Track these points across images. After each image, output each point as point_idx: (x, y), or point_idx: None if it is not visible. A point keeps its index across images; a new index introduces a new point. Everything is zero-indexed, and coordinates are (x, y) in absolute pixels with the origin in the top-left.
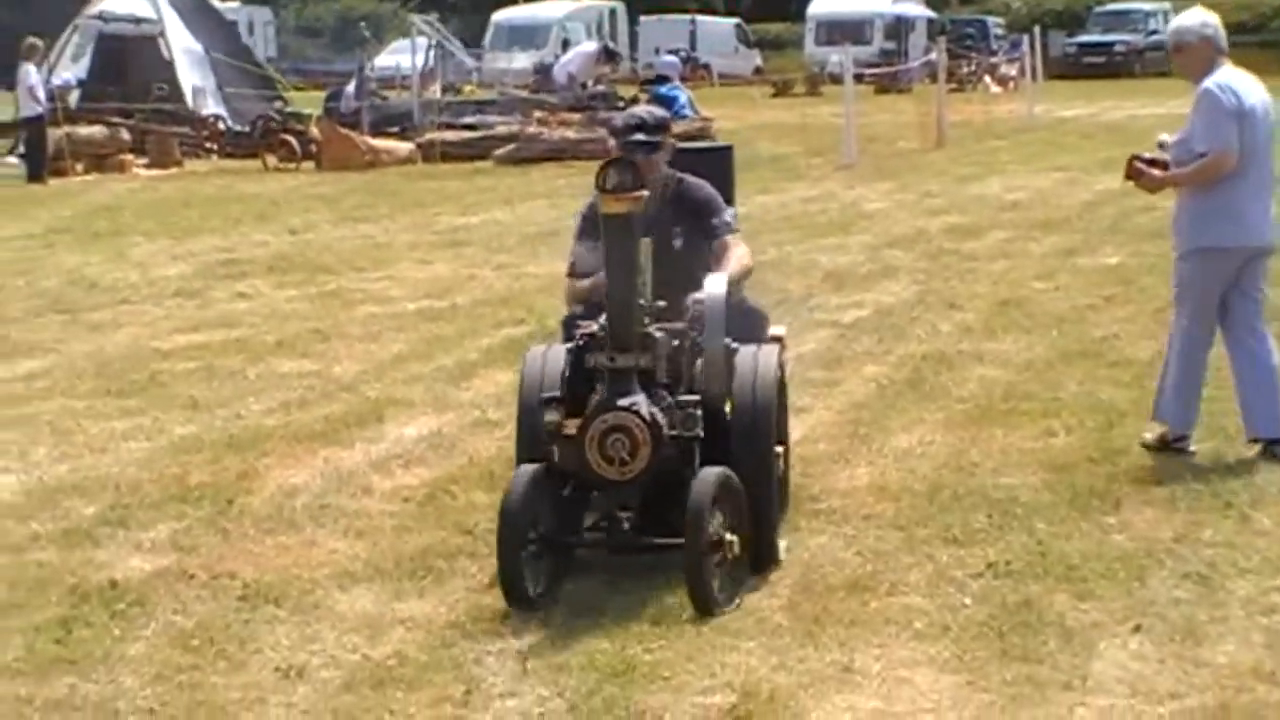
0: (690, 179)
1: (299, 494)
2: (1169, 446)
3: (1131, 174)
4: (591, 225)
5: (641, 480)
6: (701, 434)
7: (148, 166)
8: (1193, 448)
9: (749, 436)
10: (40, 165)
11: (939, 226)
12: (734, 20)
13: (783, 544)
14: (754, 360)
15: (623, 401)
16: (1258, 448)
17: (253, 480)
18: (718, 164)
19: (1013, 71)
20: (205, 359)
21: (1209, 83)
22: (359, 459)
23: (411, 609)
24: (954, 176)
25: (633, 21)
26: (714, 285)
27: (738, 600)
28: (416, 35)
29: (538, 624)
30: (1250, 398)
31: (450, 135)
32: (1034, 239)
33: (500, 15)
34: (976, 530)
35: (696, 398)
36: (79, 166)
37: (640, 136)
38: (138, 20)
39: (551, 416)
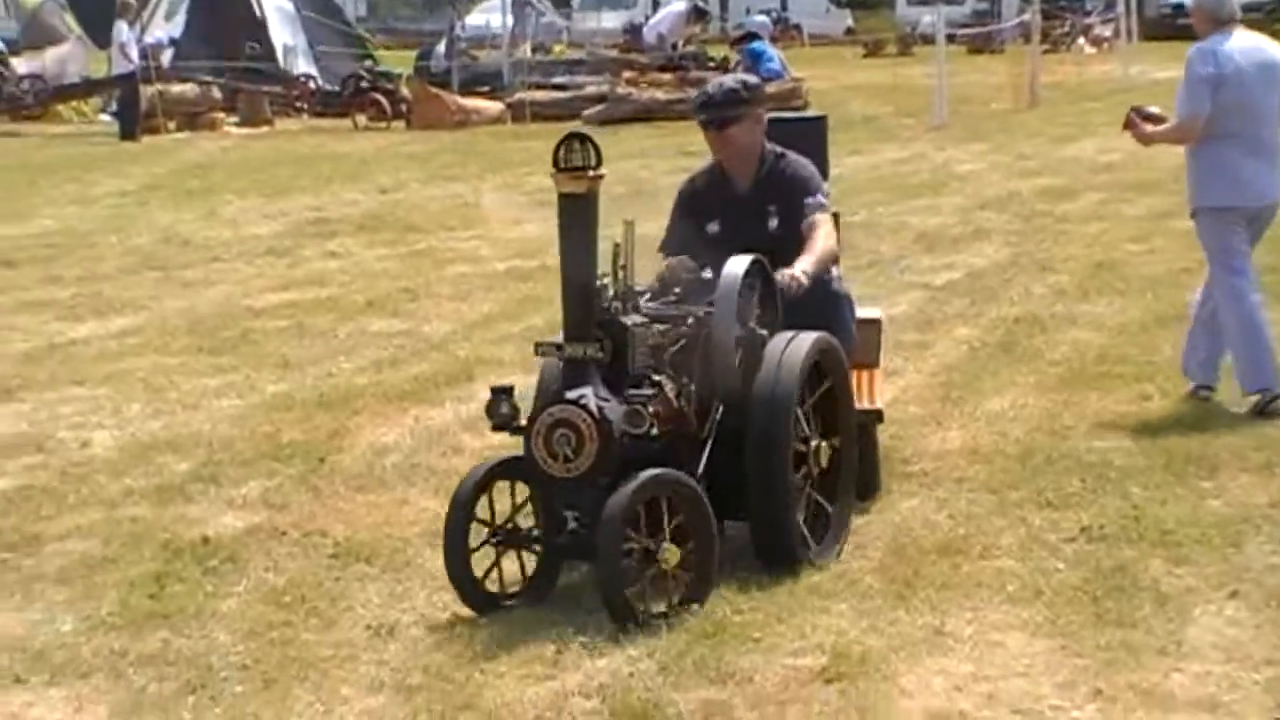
0: (792, 156)
1: (389, 453)
2: (1263, 411)
3: (1127, 124)
4: (685, 201)
5: (594, 479)
6: (653, 432)
7: (239, 125)
8: None
9: (762, 439)
10: (133, 123)
11: (1032, 188)
12: None
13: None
14: (781, 353)
15: (571, 394)
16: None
17: (344, 439)
18: (810, 135)
19: (1107, 32)
20: (296, 317)
21: (1193, 48)
22: (449, 418)
23: (502, 568)
24: (1048, 138)
25: None
26: (733, 266)
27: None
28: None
29: None
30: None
31: (540, 95)
32: (1128, 201)
33: None
34: (1070, 494)
35: (648, 392)
36: (171, 124)
37: (708, 114)
38: None
39: (503, 409)
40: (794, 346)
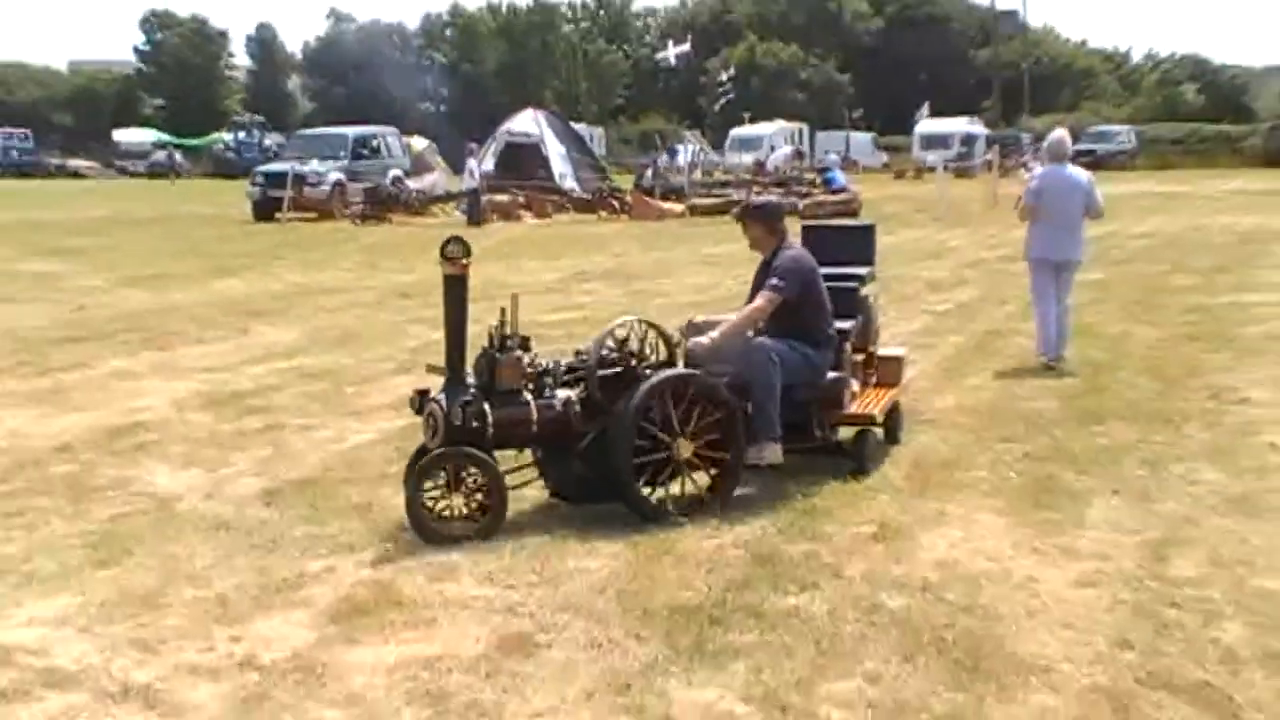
0: (792, 251)
1: None
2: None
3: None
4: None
5: (442, 447)
6: (473, 425)
7: (533, 218)
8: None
9: (611, 439)
10: (475, 215)
11: (993, 255)
12: (871, 134)
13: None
14: (641, 386)
15: (436, 395)
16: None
17: None
18: (862, 236)
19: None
20: (568, 328)
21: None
22: None
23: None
24: (1003, 225)
25: (812, 134)
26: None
27: None
28: (687, 142)
29: (749, 479)
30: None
31: (705, 201)
32: None
33: (735, 131)
34: (1018, 433)
35: (469, 398)
36: (494, 216)
37: (736, 213)
38: (528, 134)
39: (418, 403)
40: (650, 383)
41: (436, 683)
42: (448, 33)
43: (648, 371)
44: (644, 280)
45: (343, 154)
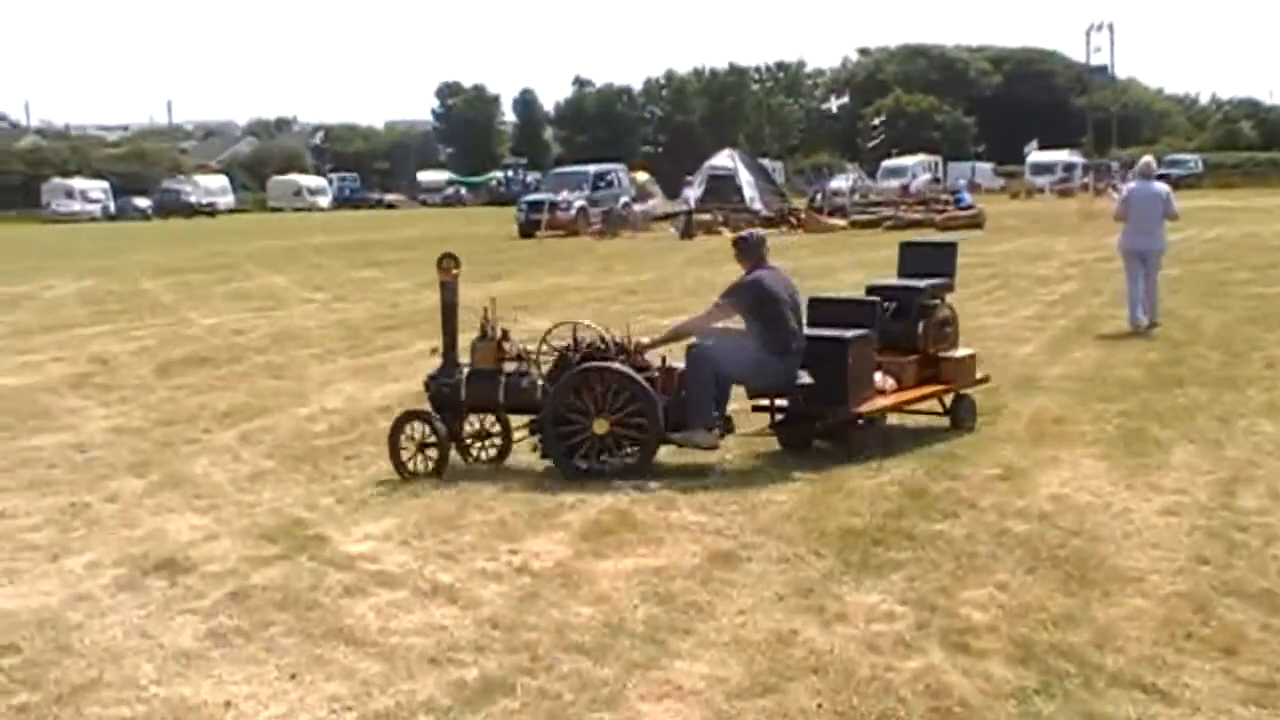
0: (749, 275)
1: None
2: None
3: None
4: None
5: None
6: (444, 393)
7: (729, 232)
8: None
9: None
10: (687, 232)
11: (1090, 257)
12: (991, 164)
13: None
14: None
15: (430, 372)
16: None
17: None
18: (945, 254)
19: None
20: None
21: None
22: None
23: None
24: (1095, 234)
25: (946, 164)
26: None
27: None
28: (849, 171)
29: (895, 437)
30: None
31: (862, 217)
32: None
33: (885, 162)
34: (1113, 395)
35: (446, 375)
36: (700, 232)
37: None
38: (726, 168)
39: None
40: (570, 372)
41: (664, 586)
42: (663, 92)
43: (579, 362)
44: (814, 279)
45: (585, 186)
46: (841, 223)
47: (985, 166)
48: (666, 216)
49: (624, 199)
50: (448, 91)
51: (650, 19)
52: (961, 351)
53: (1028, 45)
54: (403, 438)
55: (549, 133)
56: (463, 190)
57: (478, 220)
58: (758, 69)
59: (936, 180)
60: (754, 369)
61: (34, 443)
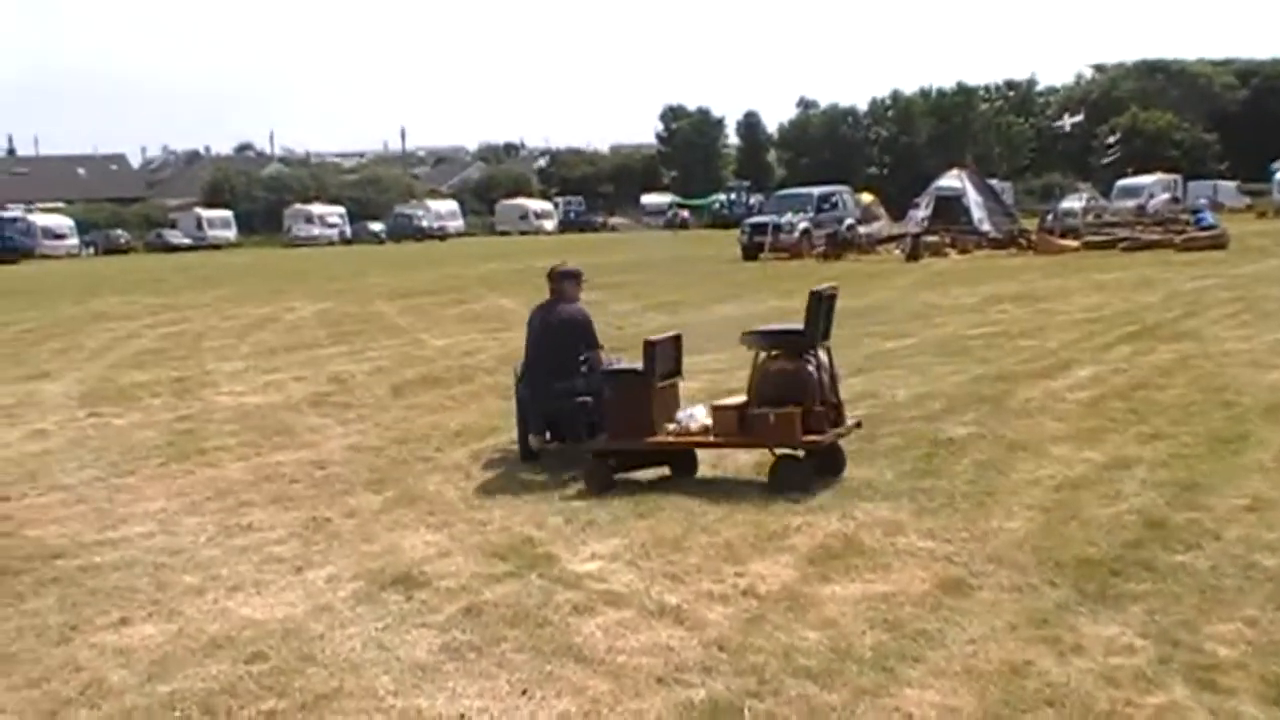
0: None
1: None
2: None
3: None
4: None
5: None
6: None
7: (957, 254)
8: None
9: None
10: (914, 255)
11: None
12: (1235, 181)
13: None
14: None
15: None
16: None
17: (1005, 396)
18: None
19: None
20: (986, 339)
21: None
22: (1057, 385)
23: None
24: None
25: (1185, 183)
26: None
27: None
28: (1081, 191)
29: (1124, 465)
30: None
31: (1096, 238)
32: None
33: (1120, 181)
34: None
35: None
36: (927, 254)
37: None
38: (954, 189)
39: None
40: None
41: (892, 613)
42: (889, 112)
43: None
44: (1046, 302)
45: (809, 208)
46: (1074, 244)
47: (1229, 185)
48: (892, 239)
49: (848, 221)
50: (672, 115)
51: (875, 39)
52: (780, 410)
53: (1278, 57)
54: None
55: (772, 155)
56: (683, 213)
57: (701, 243)
58: (986, 88)
59: (1176, 199)
60: None
61: (277, 459)
